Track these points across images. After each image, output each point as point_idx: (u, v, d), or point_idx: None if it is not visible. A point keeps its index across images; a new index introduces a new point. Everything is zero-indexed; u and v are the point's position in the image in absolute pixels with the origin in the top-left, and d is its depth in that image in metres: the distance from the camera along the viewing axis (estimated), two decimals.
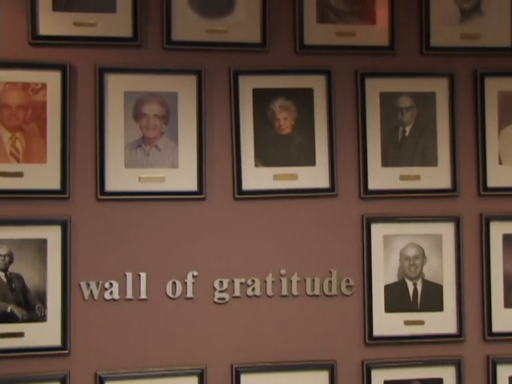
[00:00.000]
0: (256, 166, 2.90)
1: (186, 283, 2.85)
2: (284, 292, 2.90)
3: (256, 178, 2.90)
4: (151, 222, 2.85)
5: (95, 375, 2.77)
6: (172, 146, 2.87)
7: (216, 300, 2.86)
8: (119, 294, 2.81)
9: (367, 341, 2.92)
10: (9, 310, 2.74)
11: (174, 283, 2.84)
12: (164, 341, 2.82)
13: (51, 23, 2.82)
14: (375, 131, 2.96)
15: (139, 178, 2.85)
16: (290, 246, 2.91)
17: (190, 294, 2.85)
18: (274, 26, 2.94)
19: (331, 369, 2.88)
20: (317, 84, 2.95)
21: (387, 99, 2.98)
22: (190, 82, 2.88)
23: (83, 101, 2.84)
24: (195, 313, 2.85)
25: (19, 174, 2.78)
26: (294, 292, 2.90)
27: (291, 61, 2.95)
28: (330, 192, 2.93)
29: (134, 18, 2.86)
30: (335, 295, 2.92)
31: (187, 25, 2.89)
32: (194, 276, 2.85)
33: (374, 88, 2.97)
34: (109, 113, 2.84)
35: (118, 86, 2.85)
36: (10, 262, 2.75)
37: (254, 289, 2.88)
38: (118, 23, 2.86)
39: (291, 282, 2.90)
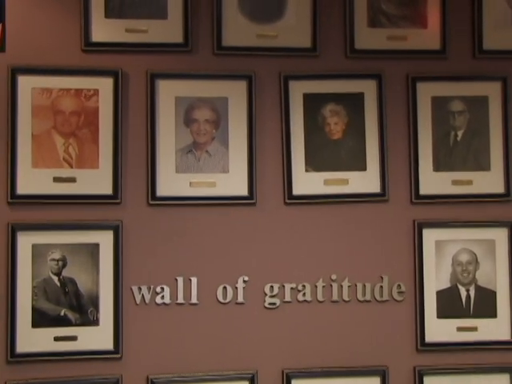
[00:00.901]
0: (306, 171, 2.90)
1: (236, 288, 2.85)
2: (335, 297, 2.89)
3: (306, 183, 2.89)
4: (202, 226, 2.86)
5: (147, 379, 2.79)
6: (223, 151, 2.88)
7: (266, 305, 2.86)
8: (170, 299, 2.82)
9: (419, 347, 2.89)
10: (62, 314, 2.77)
11: (225, 288, 2.85)
12: (215, 345, 2.83)
13: (103, 30, 2.86)
14: (427, 135, 2.94)
15: (190, 183, 2.86)
16: (341, 251, 2.90)
17: (240, 298, 2.85)
18: (325, 31, 2.94)
19: (383, 375, 2.86)
20: (368, 88, 2.93)
21: (439, 103, 2.95)
22: (240, 87, 2.89)
23: (135, 106, 2.86)
24: (246, 318, 2.85)
25: (72, 180, 2.81)
26: (345, 297, 2.89)
27: (342, 65, 2.94)
28: (381, 197, 2.91)
29: (184, 24, 2.87)
30: (386, 301, 2.90)
31: (238, 30, 2.90)
32: (244, 281, 2.85)
33: (426, 92, 2.95)
34: (160, 118, 2.86)
35: (169, 92, 2.87)
36: (64, 266, 2.78)
37: (304, 294, 2.87)
38: (169, 29, 2.88)
39: (342, 287, 2.89)
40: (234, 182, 2.87)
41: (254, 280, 2.86)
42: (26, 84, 2.80)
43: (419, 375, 2.87)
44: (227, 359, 2.83)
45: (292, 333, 2.86)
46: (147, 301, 2.81)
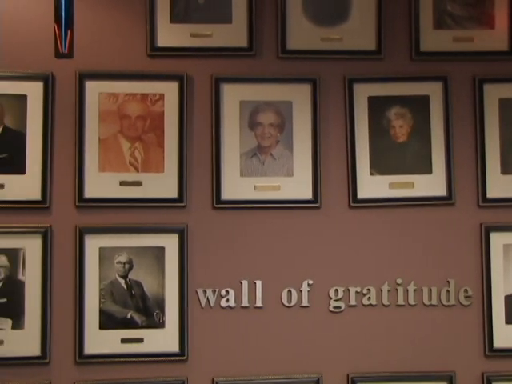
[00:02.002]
0: (371, 174, 2.88)
1: (301, 291, 2.85)
2: (400, 301, 2.86)
3: (371, 186, 2.88)
4: (266, 230, 2.86)
5: (212, 381, 2.80)
6: (287, 154, 2.88)
7: (331, 309, 2.85)
8: (235, 302, 2.83)
9: (487, 352, 2.85)
10: (129, 316, 2.80)
11: (290, 291, 2.84)
12: (280, 349, 2.83)
13: (169, 35, 2.88)
14: (494, 138, 2.90)
15: (254, 187, 2.87)
16: (406, 255, 2.87)
17: (305, 302, 2.84)
18: (389, 33, 2.92)
19: (450, 380, 2.83)
20: (433, 91, 2.91)
21: (507, 105, 2.91)
22: (304, 90, 2.89)
23: (200, 111, 2.88)
24: (310, 321, 2.85)
25: (138, 183, 2.84)
26: (411, 301, 2.86)
27: (407, 68, 2.92)
28: (447, 200, 2.88)
29: (249, 28, 2.88)
30: (453, 305, 2.87)
31: (302, 33, 2.90)
32: (309, 284, 2.85)
33: (493, 94, 2.91)
34: (224, 122, 2.88)
35: (233, 96, 2.88)
36: (130, 269, 2.81)
37: (369, 298, 2.85)
38: (233, 34, 2.89)
39: (407, 291, 2.86)
40: (299, 186, 2.87)
41: (318, 283, 2.85)
42: (94, 89, 2.84)
43: (487, 381, 2.83)
44: (292, 363, 2.83)
45: (357, 337, 2.85)
46: (212, 304, 2.82)
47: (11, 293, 2.76)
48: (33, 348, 2.74)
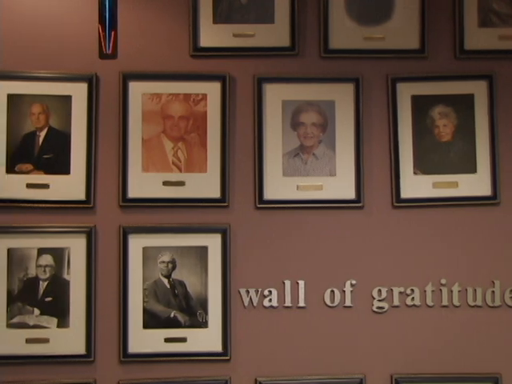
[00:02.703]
0: (415, 173, 2.86)
1: (344, 292, 2.84)
2: (444, 302, 2.84)
3: (415, 185, 2.86)
4: (309, 230, 2.86)
5: (255, 381, 2.80)
6: (330, 154, 2.88)
7: (375, 309, 2.84)
8: (278, 302, 2.83)
9: None
10: (172, 316, 2.81)
11: (333, 291, 2.84)
12: (323, 349, 2.82)
13: (211, 35, 2.89)
14: None
15: (297, 187, 2.86)
16: (450, 255, 2.85)
17: (348, 302, 2.83)
18: (433, 31, 2.90)
19: (495, 382, 2.79)
20: (478, 89, 2.88)
21: None
22: (347, 89, 2.88)
23: (242, 110, 2.88)
24: (354, 321, 2.84)
25: (181, 183, 2.85)
26: (455, 302, 2.84)
27: (451, 66, 2.90)
28: (491, 200, 2.85)
29: (291, 28, 2.88)
30: (499, 306, 2.84)
31: (344, 33, 2.89)
32: (352, 284, 2.84)
33: None
34: (267, 122, 2.88)
35: (276, 96, 2.88)
36: (173, 268, 2.83)
37: (413, 298, 2.83)
38: (275, 33, 2.89)
39: (452, 291, 2.84)
40: (342, 185, 2.86)
41: (361, 284, 2.84)
42: (137, 90, 2.86)
43: None
44: (335, 363, 2.82)
45: (401, 337, 2.83)
46: (255, 304, 2.83)
47: (57, 292, 2.79)
48: (78, 346, 2.77)
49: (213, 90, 2.87)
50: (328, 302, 2.83)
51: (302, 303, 2.83)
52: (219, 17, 2.90)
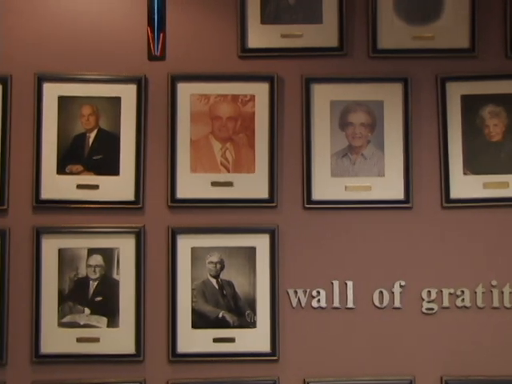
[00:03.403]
0: (465, 174, 2.84)
1: (393, 293, 2.82)
2: (495, 304, 2.81)
3: (465, 186, 2.84)
4: (357, 230, 2.85)
5: (304, 382, 2.79)
6: (378, 154, 2.86)
7: (424, 310, 2.82)
8: (326, 302, 2.82)
9: None
10: (221, 316, 2.82)
11: (381, 292, 2.82)
12: (371, 350, 2.81)
13: (259, 36, 2.89)
14: None
15: (345, 187, 2.85)
16: (501, 256, 2.82)
17: (397, 303, 2.82)
18: (483, 30, 2.87)
19: None
20: None
21: None
22: (396, 89, 2.87)
23: (290, 111, 2.88)
24: (403, 323, 2.82)
25: (229, 184, 2.86)
26: (506, 304, 2.81)
27: (502, 66, 2.87)
28: None
29: (339, 28, 2.88)
30: None
31: (393, 32, 2.88)
32: (401, 285, 2.82)
33: None
34: (315, 122, 2.87)
35: (324, 96, 2.88)
36: (222, 268, 2.83)
37: (463, 300, 2.81)
38: (324, 33, 2.89)
39: (503, 293, 2.81)
40: (390, 186, 2.85)
41: (410, 285, 2.82)
42: (185, 91, 2.87)
43: None
44: (384, 364, 2.81)
45: (451, 339, 2.81)
46: (303, 304, 2.82)
47: (106, 291, 2.81)
48: (127, 346, 2.79)
49: (261, 90, 2.87)
50: (377, 303, 2.82)
51: (350, 304, 2.82)
52: (267, 17, 2.90)
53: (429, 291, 2.82)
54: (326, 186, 2.85)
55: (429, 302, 2.81)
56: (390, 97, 2.87)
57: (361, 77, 2.88)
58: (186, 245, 2.83)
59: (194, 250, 2.83)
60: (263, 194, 2.85)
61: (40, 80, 2.84)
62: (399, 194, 2.84)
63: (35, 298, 2.78)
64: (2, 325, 2.76)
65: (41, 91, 2.84)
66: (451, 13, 2.87)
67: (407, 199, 2.83)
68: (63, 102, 2.85)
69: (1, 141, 2.82)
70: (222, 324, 2.82)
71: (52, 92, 2.85)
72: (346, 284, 2.83)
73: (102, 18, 2.89)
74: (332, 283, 2.83)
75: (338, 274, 2.83)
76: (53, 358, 2.78)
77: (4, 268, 2.78)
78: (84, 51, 2.88)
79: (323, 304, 2.82)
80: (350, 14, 2.88)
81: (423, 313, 2.82)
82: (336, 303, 2.82)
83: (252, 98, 2.88)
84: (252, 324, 2.81)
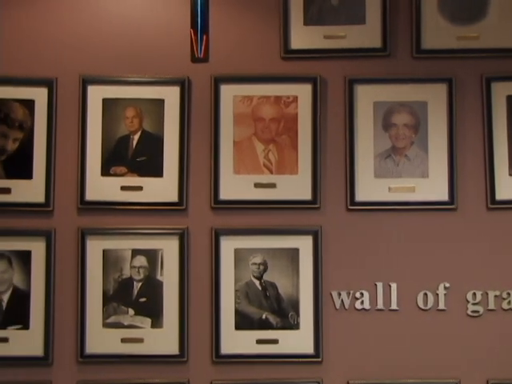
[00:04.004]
0: (510, 175, 2.82)
1: (437, 294, 2.80)
2: None
3: (510, 187, 2.81)
4: (401, 232, 2.83)
5: None
6: (422, 155, 2.84)
7: (469, 313, 2.79)
8: (370, 304, 2.81)
9: None
10: (264, 317, 2.82)
11: (426, 294, 2.80)
12: (416, 352, 2.79)
13: (302, 37, 2.89)
14: None
15: (389, 188, 2.84)
16: None
17: (441, 305, 2.79)
18: None
19: None
20: None
21: None
22: (440, 90, 2.85)
23: (333, 112, 2.88)
24: (447, 325, 2.79)
25: (272, 185, 2.86)
26: None
27: None
28: None
29: (383, 29, 2.87)
30: None
31: (437, 32, 2.86)
32: (445, 287, 2.80)
33: None
34: (358, 123, 2.86)
35: (367, 97, 2.87)
36: (265, 270, 2.83)
37: (509, 302, 2.78)
38: (367, 34, 2.88)
39: None
40: (434, 187, 2.83)
41: (455, 287, 2.80)
42: (228, 92, 2.88)
43: None
44: (428, 367, 2.78)
45: (497, 342, 2.78)
46: (347, 306, 2.81)
47: (150, 292, 2.83)
48: (171, 346, 2.80)
49: (304, 91, 2.87)
50: (421, 305, 2.80)
51: (394, 306, 2.81)
52: (310, 19, 2.90)
53: (474, 293, 2.79)
54: (370, 187, 2.84)
55: (474, 304, 2.79)
56: (434, 97, 2.85)
57: (404, 77, 2.86)
58: (229, 246, 2.83)
59: (237, 251, 2.83)
60: (306, 195, 2.84)
61: (85, 83, 2.87)
62: (443, 195, 2.82)
63: (80, 299, 2.81)
64: (48, 325, 2.79)
65: (85, 94, 2.87)
66: (496, 12, 2.85)
67: (451, 200, 2.81)
68: (107, 104, 2.88)
69: (47, 143, 2.85)
70: (265, 325, 2.82)
71: (96, 94, 2.87)
72: (389, 286, 2.81)
73: (146, 20, 2.91)
74: (376, 285, 2.81)
75: (382, 276, 2.82)
76: (98, 358, 2.80)
77: (50, 269, 2.81)
78: (128, 54, 2.90)
79: (367, 306, 2.81)
80: (393, 15, 2.87)
81: (468, 315, 2.79)
82: (380, 305, 2.81)
83: (295, 99, 2.88)
84: (295, 326, 2.81)
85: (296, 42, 2.89)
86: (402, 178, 2.84)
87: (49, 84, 2.86)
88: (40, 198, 2.84)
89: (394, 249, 2.82)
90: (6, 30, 2.90)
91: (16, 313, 2.81)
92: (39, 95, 2.86)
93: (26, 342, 2.79)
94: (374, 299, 2.81)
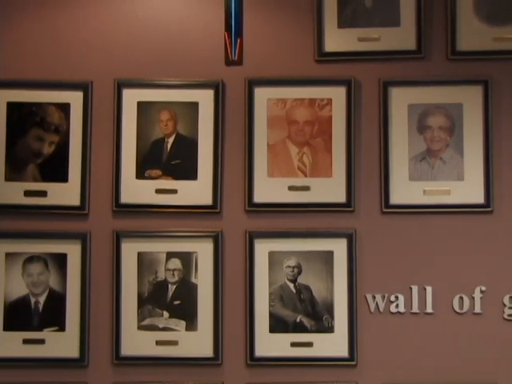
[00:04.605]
0: None
1: (473, 298, 2.78)
2: None
3: None
4: (436, 235, 2.81)
5: None
6: (457, 158, 2.83)
7: (506, 316, 2.77)
8: (405, 308, 2.80)
9: None
10: (298, 320, 2.82)
11: (461, 298, 2.78)
12: (451, 356, 2.77)
13: (336, 40, 2.89)
14: None
15: (424, 191, 2.82)
16: None
17: (477, 309, 2.77)
18: None
19: None
20: None
21: None
22: (475, 92, 2.83)
23: (367, 115, 2.87)
24: (483, 329, 2.77)
25: (306, 188, 2.86)
26: None
27: None
28: None
29: (417, 31, 2.85)
30: None
31: (473, 34, 2.84)
32: (481, 291, 2.78)
33: None
34: (393, 126, 2.85)
35: (401, 99, 2.85)
36: (299, 273, 2.83)
37: None
38: (401, 36, 2.87)
39: None
40: (470, 190, 2.81)
41: (491, 290, 2.78)
42: (262, 95, 2.88)
43: None
44: (464, 371, 2.77)
45: None
46: (381, 309, 2.80)
47: (185, 295, 2.84)
48: (206, 349, 2.80)
49: (338, 94, 2.86)
50: (457, 308, 2.78)
51: (429, 309, 2.79)
52: (344, 21, 2.89)
53: (510, 297, 2.77)
54: (404, 190, 2.83)
55: (511, 307, 2.76)
56: (470, 99, 2.83)
57: (439, 80, 2.85)
58: (263, 249, 2.83)
59: (271, 254, 2.83)
60: (340, 198, 2.84)
61: (120, 86, 2.88)
62: (479, 198, 2.80)
63: (115, 301, 2.82)
64: (84, 327, 2.81)
65: (120, 97, 2.88)
66: None
67: (488, 203, 2.79)
68: (142, 107, 2.89)
69: (82, 146, 2.87)
70: (299, 328, 2.81)
71: (131, 98, 2.89)
72: (424, 289, 2.79)
73: (180, 24, 2.92)
74: (411, 288, 2.80)
75: (417, 279, 2.80)
76: (133, 360, 2.81)
77: (85, 271, 2.83)
78: (162, 57, 2.91)
79: (402, 309, 2.80)
80: (428, 16, 2.86)
81: (505, 319, 2.77)
82: (415, 308, 2.79)
83: (329, 101, 2.87)
84: (330, 329, 2.81)
85: (330, 45, 2.89)
86: (437, 180, 2.83)
87: (84, 88, 2.88)
88: (75, 201, 2.86)
89: (429, 252, 2.81)
90: (42, 35, 2.92)
91: (52, 315, 2.84)
92: (75, 99, 2.88)
93: (62, 343, 2.82)
94: (408, 302, 2.80)
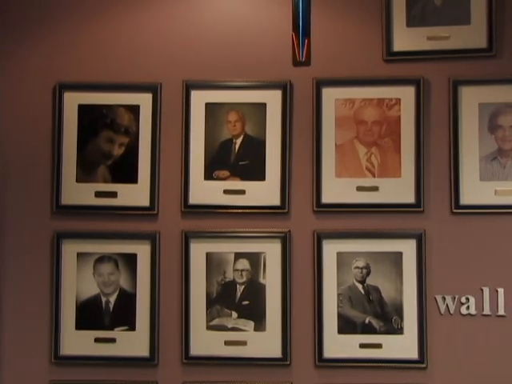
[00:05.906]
0: None
1: None
2: None
3: None
4: (508, 235, 2.77)
5: None
6: None
7: None
8: (476, 310, 2.76)
9: None
10: (367, 322, 2.80)
11: None
12: None
13: (405, 39, 2.86)
14: None
15: (495, 191, 2.78)
16: None
17: None
18: None
19: None
20: None
21: None
22: None
23: (437, 114, 2.84)
24: None
25: (375, 189, 2.84)
26: None
27: None
28: None
29: (488, 28, 2.81)
30: None
31: None
32: None
33: None
34: (463, 125, 2.82)
35: (472, 98, 2.81)
36: (368, 274, 2.81)
37: None
38: (472, 35, 2.83)
39: None
40: None
41: None
42: (330, 95, 2.88)
43: None
44: None
45: None
46: (452, 311, 2.77)
47: (253, 295, 2.84)
48: (274, 350, 2.81)
49: (407, 94, 2.84)
50: None
51: (501, 311, 2.75)
52: (413, 20, 2.87)
53: None
54: (475, 190, 2.79)
55: None
56: None
57: (511, 78, 2.80)
58: (331, 249, 2.82)
59: (339, 254, 2.82)
60: (410, 198, 2.81)
61: (188, 87, 2.90)
62: None
63: (184, 301, 2.84)
64: (154, 326, 2.84)
65: (189, 98, 2.91)
66: None
67: None
68: (210, 108, 2.91)
69: (151, 147, 2.90)
70: (368, 329, 2.80)
71: (200, 99, 2.91)
72: (496, 291, 2.75)
73: (248, 25, 2.93)
74: (482, 290, 2.76)
75: (488, 281, 2.76)
76: (202, 359, 2.83)
77: (155, 271, 2.86)
78: (230, 58, 2.93)
79: (473, 311, 2.76)
80: (499, 14, 2.81)
81: None
82: (486, 311, 2.75)
83: (398, 101, 2.85)
84: (399, 330, 2.78)
85: (399, 44, 2.86)
86: (508, 180, 2.78)
87: (153, 89, 2.91)
88: (145, 201, 2.89)
89: (501, 253, 2.77)
90: (113, 40, 2.96)
91: (122, 314, 2.87)
92: (144, 100, 2.91)
93: (133, 342, 2.85)
94: (480, 304, 2.76)
